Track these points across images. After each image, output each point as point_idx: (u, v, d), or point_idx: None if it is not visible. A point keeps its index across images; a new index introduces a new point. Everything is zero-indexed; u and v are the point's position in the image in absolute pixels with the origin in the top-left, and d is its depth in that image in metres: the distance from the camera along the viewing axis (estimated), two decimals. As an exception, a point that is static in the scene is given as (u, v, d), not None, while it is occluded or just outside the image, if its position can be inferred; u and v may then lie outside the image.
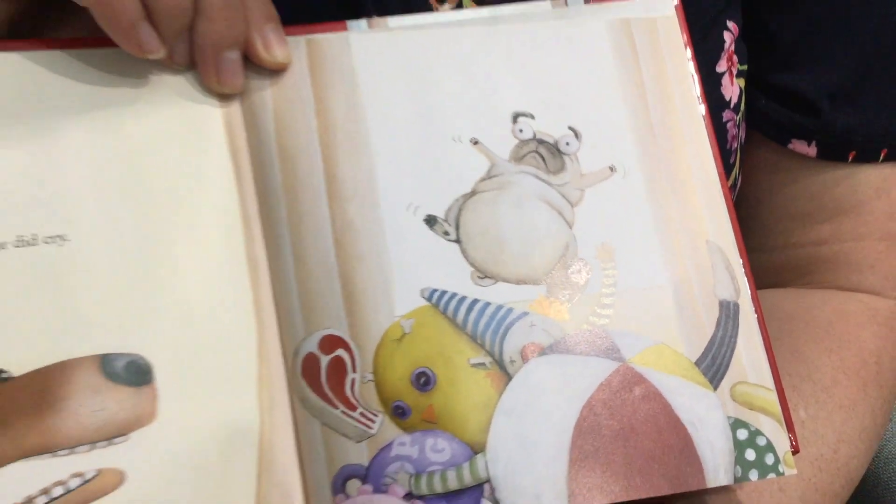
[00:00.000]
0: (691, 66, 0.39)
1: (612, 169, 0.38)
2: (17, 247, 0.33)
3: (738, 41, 0.48)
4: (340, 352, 0.35)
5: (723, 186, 0.39)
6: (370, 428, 0.34)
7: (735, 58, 0.48)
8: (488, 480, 0.34)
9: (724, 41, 0.47)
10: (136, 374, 0.33)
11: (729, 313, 0.38)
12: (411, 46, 0.38)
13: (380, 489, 0.34)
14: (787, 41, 0.48)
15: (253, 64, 0.37)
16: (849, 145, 0.49)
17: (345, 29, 0.38)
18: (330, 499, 0.34)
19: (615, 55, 0.39)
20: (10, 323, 0.32)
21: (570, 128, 0.38)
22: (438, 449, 0.34)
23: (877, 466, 0.59)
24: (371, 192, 0.36)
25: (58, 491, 0.31)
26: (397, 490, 0.34)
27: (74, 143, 0.34)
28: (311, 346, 0.35)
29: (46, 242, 0.33)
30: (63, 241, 0.33)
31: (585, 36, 0.39)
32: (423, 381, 0.35)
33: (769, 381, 0.37)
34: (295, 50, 0.37)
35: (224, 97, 0.36)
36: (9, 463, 0.31)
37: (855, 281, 0.50)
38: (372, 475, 0.34)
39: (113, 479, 0.32)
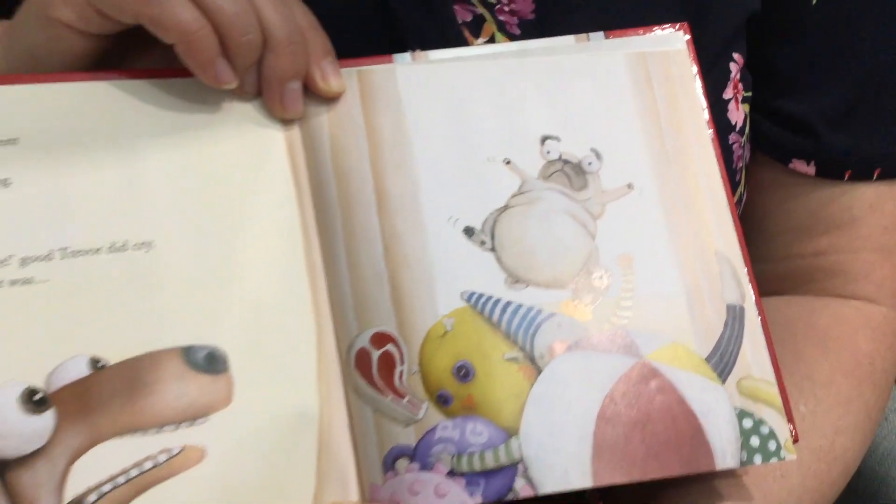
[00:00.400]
0: (701, 95, 0.43)
1: (629, 186, 0.42)
2: (111, 252, 0.37)
3: (743, 70, 0.51)
4: (390, 347, 0.39)
5: (729, 202, 0.43)
6: (417, 414, 0.38)
7: (740, 85, 0.52)
8: (521, 460, 0.37)
9: (730, 71, 0.51)
10: (215, 363, 0.37)
11: (735, 315, 0.42)
12: (450, 76, 0.42)
13: (426, 467, 0.38)
14: (787, 71, 0.51)
15: (311, 92, 0.41)
16: (845, 165, 0.52)
17: (391, 61, 0.42)
18: (381, 475, 0.38)
19: (632, 84, 0.43)
20: (105, 319, 0.36)
21: (592, 149, 0.42)
22: (477, 432, 0.38)
23: (874, 462, 0.62)
24: (416, 206, 0.40)
25: (148, 464, 0.35)
26: (441, 468, 0.38)
27: (158, 161, 0.38)
28: (364, 341, 0.39)
29: (135, 248, 0.37)
30: (150, 247, 0.38)
31: (605, 67, 0.43)
32: (464, 373, 0.39)
33: (771, 376, 0.41)
34: (348, 80, 0.41)
35: (286, 122, 0.41)
36: (106, 440, 0.35)
37: (851, 289, 0.53)
38: (419, 455, 0.38)
39: (195, 455, 0.36)
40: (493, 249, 0.40)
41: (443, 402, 0.38)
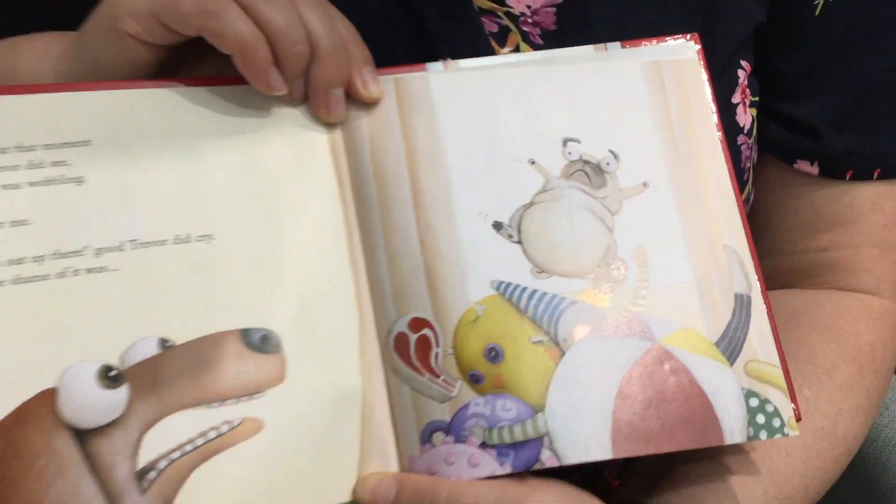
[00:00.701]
0: (710, 100, 0.46)
1: (645, 185, 0.45)
2: (176, 244, 0.40)
3: (751, 77, 0.54)
4: (426, 331, 0.42)
5: (737, 199, 0.46)
6: (451, 392, 0.41)
7: (748, 91, 0.54)
8: (547, 434, 0.40)
9: (738, 77, 0.54)
10: (269, 344, 0.40)
11: (742, 304, 0.45)
12: (479, 83, 0.46)
13: (460, 440, 0.41)
14: (791, 77, 0.54)
15: (352, 98, 0.44)
16: (846, 165, 0.55)
17: (424, 70, 0.45)
18: (419, 448, 0.41)
19: (647, 90, 0.46)
20: (171, 303, 0.39)
21: (610, 151, 0.45)
22: (507, 408, 0.41)
23: (875, 450, 0.65)
24: (448, 203, 0.44)
25: (212, 434, 0.38)
26: (474, 440, 0.41)
27: (216, 161, 0.42)
28: (402, 326, 0.42)
29: (197, 240, 0.41)
30: (210, 239, 0.41)
31: (622, 75, 0.46)
32: (494, 354, 0.42)
33: (776, 359, 0.44)
34: (385, 87, 0.44)
35: (330, 125, 0.44)
36: (174, 412, 0.38)
37: (853, 282, 0.56)
38: (453, 429, 0.41)
39: (253, 426, 0.39)
40: (519, 242, 0.43)
41: (475, 381, 0.41)
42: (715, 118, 0.46)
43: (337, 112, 0.43)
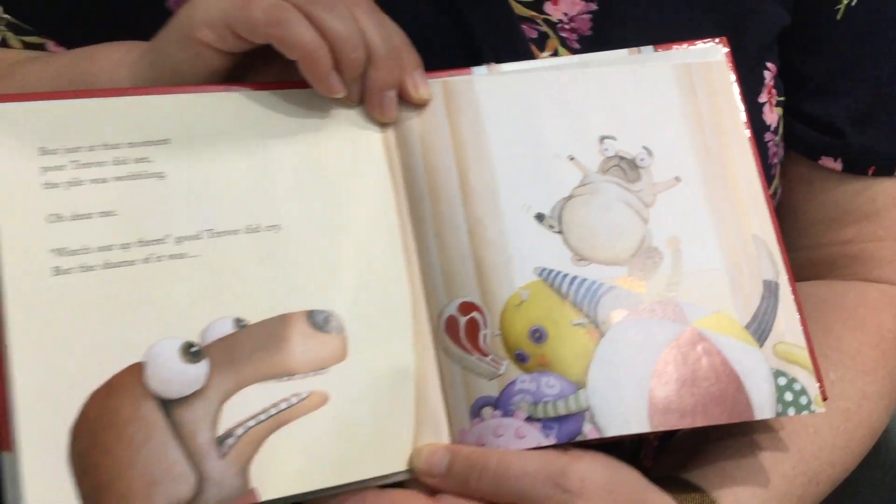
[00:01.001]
0: (738, 100, 0.49)
1: (677, 179, 0.48)
2: (247, 233, 0.44)
3: (777, 78, 0.57)
4: (475, 314, 0.45)
5: (765, 193, 0.49)
6: (499, 369, 0.44)
7: (774, 91, 0.57)
8: (589, 408, 0.43)
9: (764, 78, 0.57)
10: (332, 325, 0.43)
11: (771, 290, 0.47)
12: (521, 85, 0.49)
13: (507, 414, 0.44)
14: (815, 78, 0.57)
15: (404, 100, 0.48)
16: (869, 161, 0.57)
17: (470, 73, 0.49)
18: (469, 421, 0.44)
19: (678, 91, 0.49)
20: (244, 287, 0.43)
21: (644, 147, 0.48)
22: (551, 385, 0.44)
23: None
24: (494, 196, 0.47)
25: (283, 405, 0.42)
26: (520, 414, 0.44)
27: (281, 158, 0.45)
28: (452, 309, 0.45)
29: (266, 230, 0.44)
30: (278, 229, 0.44)
31: (654, 76, 0.49)
32: (538, 335, 0.45)
33: (802, 341, 0.47)
34: (434, 89, 0.48)
35: (383, 125, 0.48)
36: (249, 385, 0.41)
37: (876, 274, 0.59)
38: (501, 403, 0.44)
39: (319, 399, 0.42)
40: (560, 232, 0.46)
41: (520, 360, 0.44)
42: (743, 116, 0.49)
43: (390, 113, 0.47)
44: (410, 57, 0.47)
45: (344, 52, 0.44)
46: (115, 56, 0.49)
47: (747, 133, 0.49)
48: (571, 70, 0.49)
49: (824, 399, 0.46)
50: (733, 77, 0.49)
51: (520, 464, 0.42)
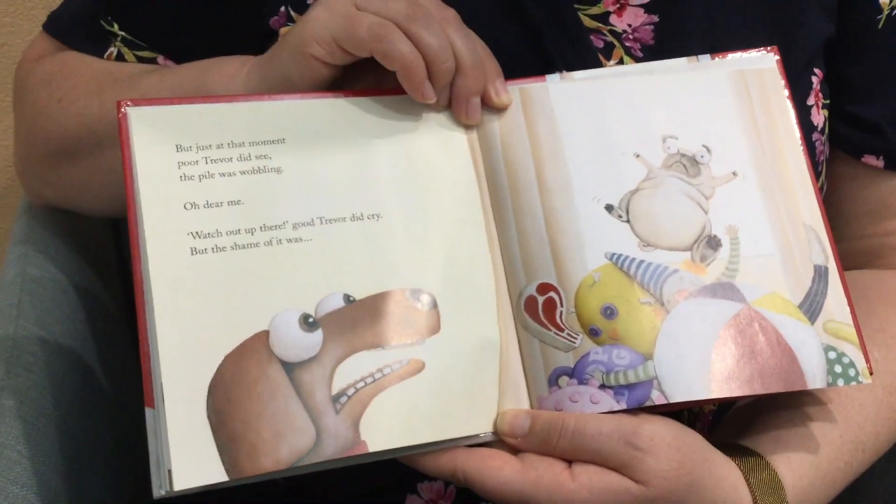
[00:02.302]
0: (789, 102, 0.53)
1: (734, 174, 0.52)
2: (353, 221, 0.49)
3: (823, 83, 0.61)
4: (552, 294, 0.50)
5: (814, 186, 0.53)
6: (574, 343, 0.49)
7: (820, 94, 0.61)
8: (656, 377, 0.48)
9: (812, 82, 0.61)
10: (427, 302, 0.49)
11: (821, 273, 0.51)
12: (590, 90, 0.53)
13: (582, 382, 0.48)
14: (858, 83, 0.61)
15: (486, 105, 0.53)
16: None
17: (544, 80, 0.54)
18: (547, 389, 0.49)
19: (734, 95, 0.54)
20: (352, 267, 0.48)
21: (704, 145, 0.53)
22: (621, 357, 0.48)
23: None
24: (568, 189, 0.51)
25: (387, 370, 0.47)
26: (594, 383, 0.48)
27: (380, 155, 0.51)
28: (531, 290, 0.50)
29: (369, 218, 0.49)
30: (378, 217, 0.49)
31: (712, 82, 0.54)
32: (609, 312, 0.49)
33: (850, 320, 0.51)
34: (512, 95, 0.53)
35: (468, 128, 0.53)
36: (357, 352, 0.47)
37: None
38: (576, 373, 0.49)
39: (418, 366, 0.47)
40: (627, 221, 0.51)
41: (594, 334, 0.49)
42: (794, 117, 0.53)
43: (475, 117, 0.52)
44: (493, 66, 0.52)
45: (436, 63, 0.49)
46: (229, 69, 0.55)
47: (798, 132, 0.53)
48: (636, 76, 0.54)
49: (871, 373, 0.50)
50: (783, 81, 0.54)
51: (596, 424, 0.47)
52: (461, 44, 0.50)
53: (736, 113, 0.53)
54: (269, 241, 0.47)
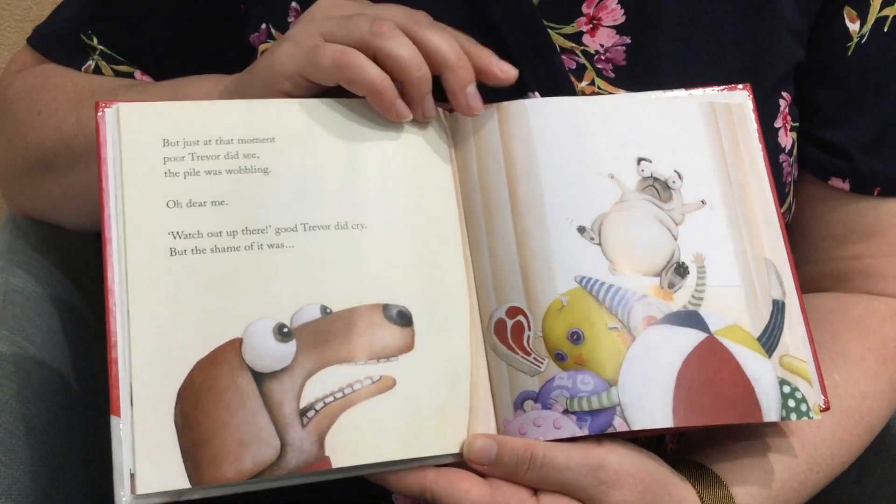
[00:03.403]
0: (757, 138, 0.54)
1: (703, 202, 0.53)
2: (336, 229, 0.48)
3: (791, 106, 0.62)
4: (520, 317, 0.50)
5: (779, 219, 0.53)
6: (540, 367, 0.49)
7: (789, 117, 0.62)
8: (619, 404, 0.48)
9: (780, 105, 0.61)
10: (404, 319, 0.48)
11: (779, 308, 0.52)
12: (569, 107, 0.53)
13: (546, 407, 0.49)
14: (826, 108, 0.62)
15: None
16: (874, 183, 0.62)
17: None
18: (512, 413, 0.49)
19: (703, 125, 0.54)
20: (331, 278, 0.47)
21: (676, 171, 0.53)
22: (585, 382, 0.49)
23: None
24: (541, 209, 0.51)
25: (357, 386, 0.46)
26: (558, 408, 0.49)
27: (369, 163, 0.50)
28: (501, 313, 0.51)
29: (353, 228, 0.48)
30: (363, 228, 0.49)
31: (683, 109, 0.54)
32: (576, 337, 0.50)
33: (806, 355, 0.52)
34: (489, 114, 0.52)
35: (454, 146, 0.52)
36: (329, 366, 0.46)
37: (881, 287, 0.64)
38: (541, 397, 0.49)
39: (389, 383, 0.47)
40: (599, 244, 0.51)
41: (559, 359, 0.49)
42: (762, 154, 0.54)
43: (476, 105, 0.50)
44: (482, 50, 0.51)
45: (409, 72, 0.49)
46: (203, 88, 0.55)
47: (764, 168, 0.54)
48: (616, 99, 0.54)
49: (826, 409, 0.51)
50: (753, 116, 0.55)
51: (564, 456, 0.47)
52: (439, 41, 0.50)
53: (706, 143, 0.54)
54: (251, 245, 0.47)
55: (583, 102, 0.54)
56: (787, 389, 0.51)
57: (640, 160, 0.53)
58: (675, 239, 0.52)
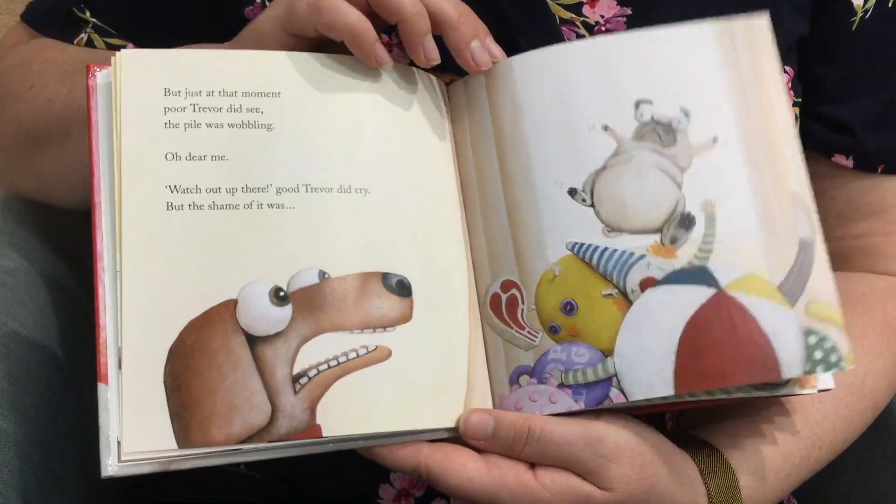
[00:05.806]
0: (778, 61, 0.49)
1: (714, 140, 0.48)
2: (339, 193, 0.47)
3: (794, 81, 0.62)
4: (514, 291, 0.50)
5: (801, 152, 0.49)
6: (534, 341, 0.49)
7: (791, 92, 0.62)
8: (615, 375, 0.47)
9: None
10: (403, 289, 0.47)
11: (806, 248, 0.48)
12: (557, 56, 0.49)
13: (541, 381, 0.48)
14: (830, 84, 0.62)
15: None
16: (878, 161, 0.62)
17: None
18: (508, 388, 0.49)
19: (719, 49, 0.48)
20: (331, 242, 0.46)
21: (682, 108, 0.48)
22: (580, 354, 0.48)
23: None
24: (529, 177, 0.49)
25: (352, 354, 0.46)
26: (553, 381, 0.48)
27: (376, 126, 0.49)
28: (496, 287, 0.50)
29: (356, 192, 0.47)
30: (366, 192, 0.47)
31: (695, 36, 0.49)
32: (569, 308, 0.49)
33: (835, 298, 0.47)
34: (477, 82, 0.51)
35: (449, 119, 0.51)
36: (324, 333, 0.45)
37: (884, 266, 0.64)
38: (536, 372, 0.49)
39: (384, 353, 0.46)
40: (592, 205, 0.48)
41: (553, 332, 0.49)
42: (783, 79, 0.49)
43: (484, 60, 0.49)
44: (470, 15, 0.49)
45: (404, 8, 0.47)
46: None
47: (786, 93, 0.50)
48: (611, 38, 0.50)
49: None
50: (773, 39, 0.49)
51: (562, 432, 0.47)
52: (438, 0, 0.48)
53: (720, 69, 0.49)
54: (250, 203, 0.46)
55: (571, 48, 0.50)
56: (812, 340, 0.47)
57: (638, 103, 0.49)
58: (680, 187, 0.48)
